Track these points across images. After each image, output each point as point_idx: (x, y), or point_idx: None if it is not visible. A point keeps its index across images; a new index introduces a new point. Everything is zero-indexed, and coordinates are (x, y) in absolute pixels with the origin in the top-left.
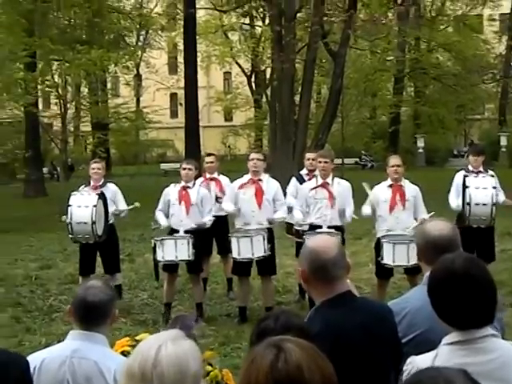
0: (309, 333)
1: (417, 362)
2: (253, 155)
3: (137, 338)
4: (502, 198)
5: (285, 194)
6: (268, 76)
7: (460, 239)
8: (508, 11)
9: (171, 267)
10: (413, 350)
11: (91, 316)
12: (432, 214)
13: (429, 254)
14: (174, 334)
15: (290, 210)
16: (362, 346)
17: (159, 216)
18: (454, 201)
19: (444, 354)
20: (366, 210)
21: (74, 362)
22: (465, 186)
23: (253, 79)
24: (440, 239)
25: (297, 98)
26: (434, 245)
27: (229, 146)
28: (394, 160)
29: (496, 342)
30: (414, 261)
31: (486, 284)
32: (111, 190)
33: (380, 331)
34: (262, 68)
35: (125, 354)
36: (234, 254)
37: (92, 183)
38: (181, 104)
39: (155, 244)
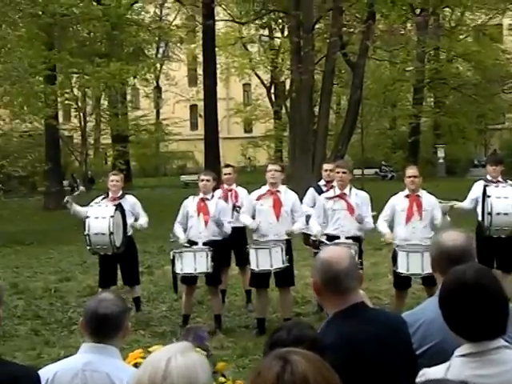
0: (322, 344)
1: (429, 375)
2: (270, 167)
3: (150, 349)
4: None
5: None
6: (287, 87)
7: (475, 250)
8: None
9: (190, 279)
10: (428, 361)
11: (103, 328)
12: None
13: (443, 265)
14: (183, 346)
15: (307, 219)
16: (376, 357)
17: (177, 230)
18: (468, 203)
19: (456, 366)
20: (384, 228)
21: (87, 375)
22: (485, 196)
23: (272, 90)
24: (454, 250)
25: (316, 109)
26: (447, 255)
27: (249, 158)
28: (411, 171)
29: (509, 353)
30: (428, 269)
31: (497, 295)
32: (130, 201)
33: (394, 342)
34: (282, 79)
35: (137, 366)
36: (253, 266)
37: (110, 195)
38: (200, 116)
39: (174, 256)
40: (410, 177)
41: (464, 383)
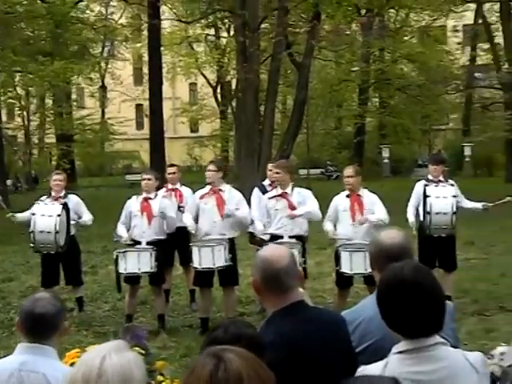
0: (261, 343)
1: (367, 371)
2: (208, 166)
3: (87, 349)
4: (468, 204)
5: (249, 205)
6: (233, 87)
7: (413, 248)
8: (471, 22)
9: (133, 279)
10: (367, 359)
11: (39, 328)
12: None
13: (381, 263)
14: (117, 344)
15: (252, 222)
16: (316, 355)
17: (120, 229)
18: (411, 213)
19: (394, 363)
20: (328, 226)
21: (23, 375)
22: (425, 196)
23: (218, 90)
24: (392, 247)
25: (262, 109)
26: (386, 253)
27: (195, 158)
28: (347, 171)
29: (445, 350)
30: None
31: (434, 292)
32: (73, 201)
33: (334, 341)
34: (228, 79)
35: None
36: (195, 264)
37: (53, 194)
38: (146, 115)
39: (117, 256)
40: (346, 177)
41: (394, 380)
